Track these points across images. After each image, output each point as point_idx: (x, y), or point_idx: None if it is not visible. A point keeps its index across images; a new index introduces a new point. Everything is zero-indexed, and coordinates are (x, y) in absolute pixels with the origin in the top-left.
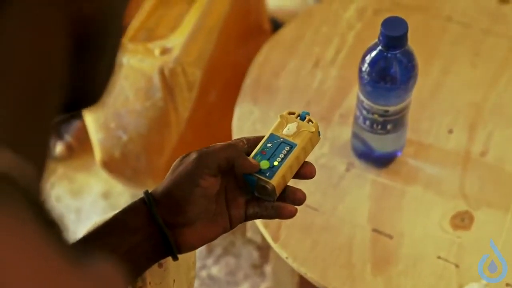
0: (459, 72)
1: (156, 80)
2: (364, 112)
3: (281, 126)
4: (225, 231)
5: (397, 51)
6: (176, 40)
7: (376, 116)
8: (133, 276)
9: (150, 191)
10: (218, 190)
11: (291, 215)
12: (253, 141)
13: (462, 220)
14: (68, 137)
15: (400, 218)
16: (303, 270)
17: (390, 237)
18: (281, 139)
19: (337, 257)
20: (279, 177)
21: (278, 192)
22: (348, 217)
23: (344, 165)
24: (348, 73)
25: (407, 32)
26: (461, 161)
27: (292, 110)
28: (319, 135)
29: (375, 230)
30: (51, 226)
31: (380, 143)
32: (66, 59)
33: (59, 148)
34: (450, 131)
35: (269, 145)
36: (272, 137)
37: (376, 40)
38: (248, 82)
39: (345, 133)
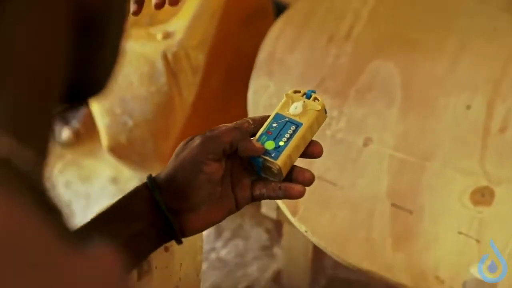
0: (476, 48)
1: (160, 64)
2: None
3: (286, 105)
4: (230, 213)
5: None
6: (178, 24)
7: None
8: (138, 261)
9: (154, 175)
10: (222, 173)
11: (300, 195)
12: (259, 121)
13: (483, 196)
14: (75, 123)
15: (419, 193)
16: (322, 244)
17: (410, 212)
18: (287, 119)
19: (356, 231)
20: (285, 157)
21: (284, 173)
22: (367, 191)
23: (362, 140)
24: (363, 49)
25: None
26: (480, 137)
27: (298, 89)
28: (326, 113)
29: (394, 205)
30: (52, 212)
31: None
32: (68, 47)
33: (66, 134)
34: (468, 107)
35: (274, 125)
36: (277, 116)
37: None
38: (262, 56)
39: (362, 108)
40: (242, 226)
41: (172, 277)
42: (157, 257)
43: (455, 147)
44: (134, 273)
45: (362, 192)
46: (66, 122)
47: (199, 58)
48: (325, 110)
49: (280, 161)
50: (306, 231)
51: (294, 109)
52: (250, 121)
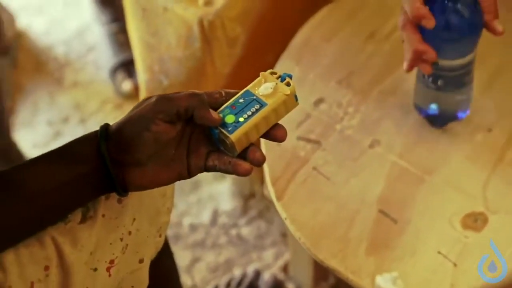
0: None
1: (196, 30)
2: None
3: (259, 84)
4: (181, 178)
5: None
6: None
7: None
8: (78, 203)
9: (109, 125)
10: (173, 136)
11: (245, 173)
12: (231, 95)
13: (475, 221)
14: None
15: (410, 205)
16: (297, 235)
17: (395, 221)
18: (254, 97)
19: (335, 229)
20: (241, 133)
21: (238, 148)
22: (358, 193)
23: (369, 141)
24: (400, 51)
25: None
26: (492, 162)
27: (275, 70)
28: (297, 100)
29: (381, 211)
30: None
31: (432, 99)
32: None
33: (128, 86)
34: (489, 130)
35: (241, 100)
36: (246, 93)
37: None
38: (295, 41)
39: (380, 110)
40: (269, 208)
41: (118, 228)
42: (107, 206)
43: (463, 167)
44: (78, 215)
45: (352, 192)
46: (129, 74)
47: (237, 31)
48: (296, 96)
49: (234, 136)
50: (285, 218)
51: (264, 89)
52: (222, 93)
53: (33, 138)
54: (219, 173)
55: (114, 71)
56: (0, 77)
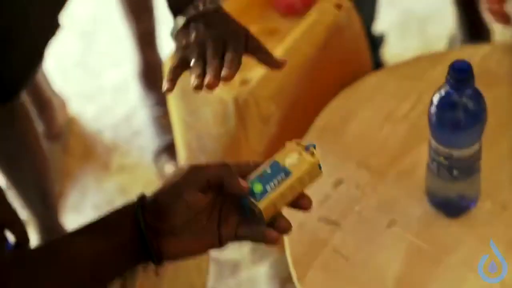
0: None
1: (231, 108)
2: (432, 152)
3: (285, 154)
4: (212, 247)
5: (463, 92)
6: (257, 73)
7: (442, 158)
8: (116, 273)
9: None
10: (206, 205)
11: (273, 242)
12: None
13: None
14: None
15: (427, 284)
16: None
17: None
18: (280, 167)
19: None
20: (268, 202)
21: (266, 217)
22: (376, 273)
23: (387, 221)
24: (417, 131)
25: (472, 72)
26: (508, 240)
27: (300, 141)
28: (320, 169)
29: None
30: None
31: (446, 189)
32: None
33: (171, 169)
34: (504, 208)
35: (268, 170)
36: (273, 163)
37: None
38: (317, 124)
39: (397, 190)
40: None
41: None
42: (145, 278)
43: (479, 246)
44: (117, 286)
45: (371, 273)
46: (172, 157)
47: (271, 109)
48: (320, 166)
49: (262, 205)
50: None
51: (290, 159)
52: (251, 163)
53: (80, 222)
54: (257, 257)
55: (158, 154)
56: (50, 161)
